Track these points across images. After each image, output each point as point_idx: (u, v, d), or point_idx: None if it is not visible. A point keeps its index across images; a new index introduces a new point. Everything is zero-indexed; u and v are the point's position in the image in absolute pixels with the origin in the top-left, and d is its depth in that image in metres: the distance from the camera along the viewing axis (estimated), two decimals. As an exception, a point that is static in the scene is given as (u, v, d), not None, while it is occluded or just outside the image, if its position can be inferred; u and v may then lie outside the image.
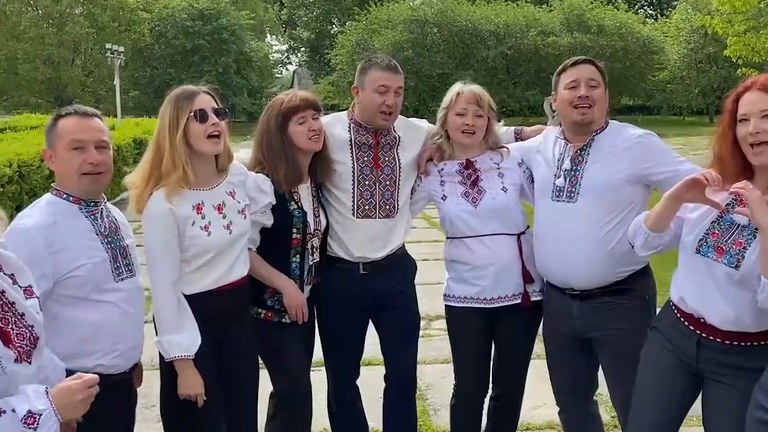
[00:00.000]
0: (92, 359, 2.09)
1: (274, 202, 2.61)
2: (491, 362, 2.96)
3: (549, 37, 30.48)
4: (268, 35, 49.96)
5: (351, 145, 2.86)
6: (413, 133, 2.97)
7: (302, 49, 51.04)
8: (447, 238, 2.92)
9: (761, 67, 10.77)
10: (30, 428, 1.49)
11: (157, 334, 2.36)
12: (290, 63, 56.82)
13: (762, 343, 2.08)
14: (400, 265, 2.99)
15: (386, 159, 2.89)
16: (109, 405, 1.97)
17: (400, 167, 2.90)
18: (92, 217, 2.15)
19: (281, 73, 56.57)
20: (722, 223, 2.12)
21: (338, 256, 2.85)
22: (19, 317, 1.59)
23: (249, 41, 35.93)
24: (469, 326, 2.85)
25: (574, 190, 2.58)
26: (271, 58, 46.02)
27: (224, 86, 33.85)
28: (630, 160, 2.53)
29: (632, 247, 2.36)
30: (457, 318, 2.88)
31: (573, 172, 2.60)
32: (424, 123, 3.08)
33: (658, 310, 2.52)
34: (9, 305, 1.57)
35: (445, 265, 2.96)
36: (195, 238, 2.33)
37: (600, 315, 2.57)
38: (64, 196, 2.13)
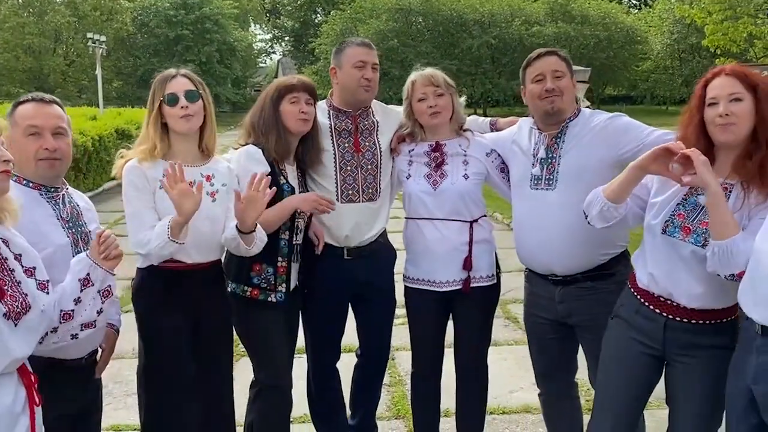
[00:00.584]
0: (49, 344, 2.08)
1: (269, 171, 2.64)
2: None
3: (533, 26, 30.51)
4: (252, 24, 49.65)
5: (331, 131, 2.91)
6: (391, 118, 3.04)
7: (286, 38, 50.77)
8: (405, 218, 2.98)
9: (739, 57, 10.89)
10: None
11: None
12: (274, 52, 56.60)
13: (725, 320, 2.16)
14: (382, 252, 3.06)
15: (366, 144, 2.95)
16: (66, 387, 2.07)
17: (381, 151, 2.97)
18: (53, 202, 2.15)
19: (265, 63, 56.30)
20: (687, 204, 2.18)
21: (327, 244, 2.90)
22: (15, 283, 1.73)
23: (232, 30, 35.68)
24: (423, 307, 2.93)
25: (552, 177, 2.62)
26: (255, 48, 45.77)
27: (208, 76, 33.60)
28: (604, 145, 2.57)
29: (586, 217, 2.38)
30: (412, 298, 2.96)
31: (549, 160, 2.64)
32: (401, 108, 3.12)
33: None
34: (9, 271, 1.73)
35: (404, 245, 3.03)
36: (162, 201, 2.40)
37: (582, 299, 2.62)
38: (24, 182, 2.12)
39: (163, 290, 2.48)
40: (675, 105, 36.10)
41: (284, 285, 2.72)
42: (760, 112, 2.06)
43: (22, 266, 1.78)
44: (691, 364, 2.19)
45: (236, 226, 2.44)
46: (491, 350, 4.38)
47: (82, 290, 1.91)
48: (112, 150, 11.78)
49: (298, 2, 46.98)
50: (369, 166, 2.94)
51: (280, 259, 2.71)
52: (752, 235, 1.95)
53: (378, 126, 2.99)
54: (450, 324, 3.03)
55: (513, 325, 5.03)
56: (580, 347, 2.80)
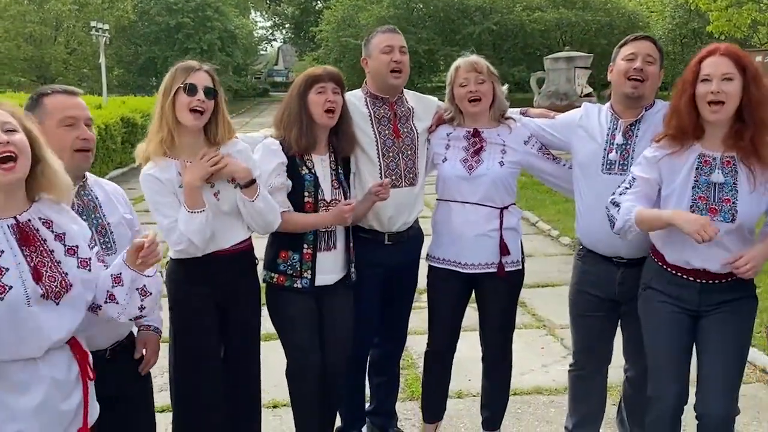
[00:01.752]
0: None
1: (286, 162, 2.72)
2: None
3: (535, 12, 30.37)
4: (252, 11, 49.38)
5: (371, 118, 2.99)
6: (425, 105, 3.13)
7: (287, 25, 50.49)
8: (437, 199, 3.07)
9: (743, 42, 10.89)
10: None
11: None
12: (275, 39, 56.31)
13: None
14: (417, 237, 3.18)
15: (405, 130, 3.03)
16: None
17: (417, 136, 3.06)
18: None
19: (266, 50, 56.07)
20: (702, 186, 2.37)
21: (370, 227, 2.98)
22: (55, 263, 1.81)
23: (233, 18, 35.53)
24: (447, 286, 3.04)
25: (626, 163, 2.71)
26: (256, 35, 45.58)
27: (209, 64, 33.50)
28: None
29: (611, 224, 2.55)
30: (437, 277, 3.06)
31: (625, 146, 2.73)
32: (433, 98, 3.23)
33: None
34: (48, 252, 1.81)
35: (431, 226, 3.12)
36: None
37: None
38: None
39: (193, 275, 2.58)
40: (677, 90, 36.09)
41: (309, 272, 2.77)
42: (747, 92, 2.30)
43: (64, 245, 1.85)
44: (723, 314, 2.47)
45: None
46: None
47: (113, 287, 1.93)
48: (117, 138, 11.83)
49: (299, -11, 46.66)
50: (409, 152, 3.03)
51: (305, 246, 2.76)
52: None
53: (414, 112, 3.08)
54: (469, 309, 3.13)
55: (522, 310, 5.11)
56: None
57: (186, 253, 2.52)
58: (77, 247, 1.88)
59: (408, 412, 3.66)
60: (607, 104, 2.86)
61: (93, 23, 20.41)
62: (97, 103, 14.24)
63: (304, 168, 2.76)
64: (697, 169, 2.39)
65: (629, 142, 2.72)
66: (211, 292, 2.58)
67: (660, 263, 2.55)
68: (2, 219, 1.75)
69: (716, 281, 2.46)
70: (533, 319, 5.04)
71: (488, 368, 3.18)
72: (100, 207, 2.27)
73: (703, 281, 2.47)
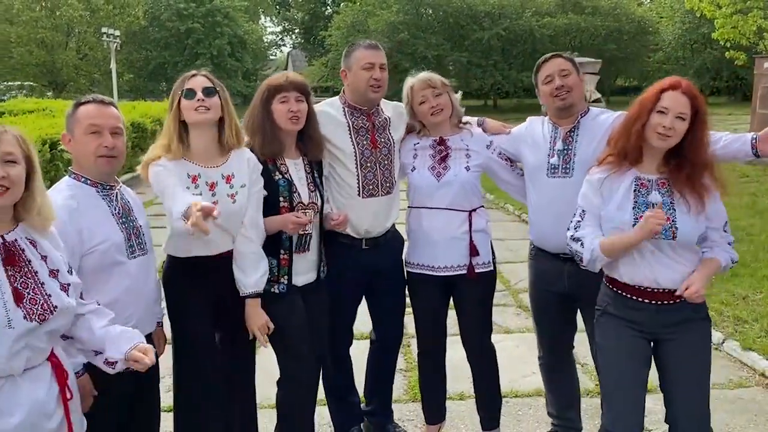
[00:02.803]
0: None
1: (261, 169, 2.76)
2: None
3: (544, 18, 30.46)
4: (262, 17, 49.68)
5: (349, 129, 3.04)
6: (399, 115, 3.19)
7: (296, 30, 50.75)
8: (408, 206, 3.16)
9: (748, 50, 10.90)
10: None
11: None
12: (284, 45, 56.55)
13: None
14: (395, 240, 3.24)
15: (382, 140, 3.09)
16: (108, 375, 2.10)
17: (393, 145, 3.13)
18: (108, 199, 2.32)
19: (275, 55, 56.30)
20: (640, 206, 2.45)
21: (345, 233, 3.03)
22: (39, 285, 1.83)
23: (243, 23, 35.77)
24: (425, 290, 3.15)
25: (568, 166, 2.87)
26: (265, 40, 45.81)
27: (219, 69, 33.69)
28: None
29: (578, 259, 2.59)
30: (415, 282, 3.17)
31: (566, 151, 2.88)
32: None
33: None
34: (33, 273, 1.83)
35: (405, 232, 3.22)
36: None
37: (588, 274, 2.78)
38: (83, 179, 2.29)
39: (189, 276, 2.67)
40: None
41: (286, 277, 2.81)
42: (692, 132, 2.40)
43: (47, 268, 1.88)
44: (680, 339, 2.48)
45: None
46: (504, 337, 4.60)
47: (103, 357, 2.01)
48: (128, 143, 11.95)
49: (308, -6, 46.91)
50: (385, 161, 3.09)
51: (282, 252, 2.80)
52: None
53: (390, 121, 3.14)
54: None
55: (525, 314, 5.16)
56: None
57: (176, 235, 2.60)
58: (58, 271, 1.90)
59: (411, 413, 3.72)
60: (547, 117, 3.02)
61: (104, 29, 20.58)
62: (14, 128, 14.33)
63: (277, 173, 2.78)
64: (634, 191, 2.47)
65: (569, 147, 2.89)
66: (204, 288, 2.66)
67: (614, 288, 2.56)
68: None
69: (669, 302, 2.45)
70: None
71: (473, 368, 3.28)
72: (132, 210, 2.41)
73: (658, 302, 2.46)
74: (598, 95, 17.05)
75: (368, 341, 3.43)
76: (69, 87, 30.42)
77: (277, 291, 2.80)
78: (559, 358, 3.20)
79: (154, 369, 2.47)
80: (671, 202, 2.42)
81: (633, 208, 2.45)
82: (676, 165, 2.44)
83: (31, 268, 1.83)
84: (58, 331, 1.89)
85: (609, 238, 2.46)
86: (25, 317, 1.75)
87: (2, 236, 1.81)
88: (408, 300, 3.31)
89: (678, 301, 2.44)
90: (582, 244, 2.53)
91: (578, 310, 3.06)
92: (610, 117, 2.89)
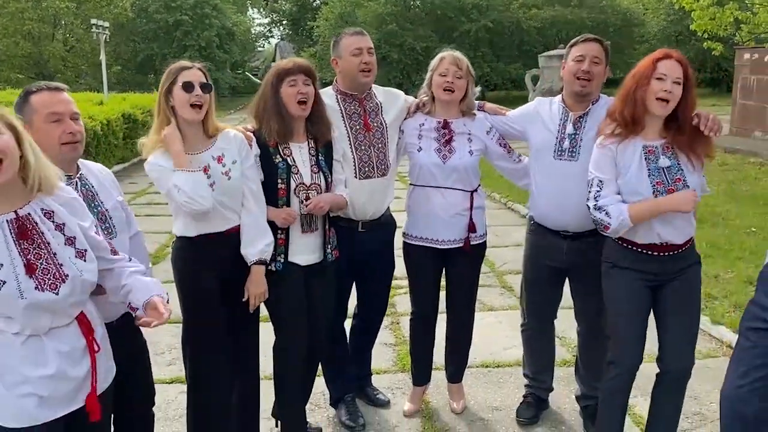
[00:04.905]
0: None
1: (259, 153, 2.92)
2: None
3: (531, 10, 30.63)
4: (250, 8, 49.49)
5: (342, 115, 3.23)
6: (392, 99, 3.39)
7: (284, 21, 50.55)
8: (411, 184, 3.37)
9: (726, 41, 11.17)
10: None
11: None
12: (272, 36, 56.26)
13: (692, 243, 2.86)
14: (389, 224, 3.46)
15: (375, 124, 3.28)
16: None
17: (387, 129, 3.31)
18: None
19: (263, 47, 56.12)
20: (653, 173, 2.72)
21: (345, 216, 3.23)
22: (51, 256, 1.93)
23: (231, 15, 35.65)
24: (423, 261, 3.38)
25: (575, 150, 3.07)
26: (253, 32, 45.69)
27: (207, 61, 33.41)
28: None
29: (601, 227, 2.81)
30: (414, 253, 3.40)
31: (574, 136, 3.08)
32: (398, 91, 3.49)
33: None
34: (46, 245, 1.93)
35: (405, 208, 3.44)
36: None
37: (586, 250, 3.11)
38: None
39: (197, 253, 2.84)
40: (671, 87, 36.36)
41: (282, 256, 2.96)
42: (684, 96, 2.67)
43: (64, 235, 1.96)
44: (681, 280, 2.84)
45: None
46: (488, 314, 4.87)
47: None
48: (119, 134, 12.07)
49: (296, -14, 46.75)
50: (379, 144, 3.28)
51: (279, 232, 2.95)
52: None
53: (382, 106, 3.33)
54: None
55: (508, 293, 5.40)
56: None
57: (196, 211, 2.69)
58: (75, 238, 1.99)
59: (399, 382, 3.96)
60: (559, 97, 3.19)
61: (94, 21, 20.56)
62: (98, 99, 14.44)
63: (278, 157, 2.92)
64: (645, 159, 2.73)
65: (578, 132, 3.08)
66: (212, 266, 2.83)
67: (624, 245, 2.85)
68: (1, 215, 1.88)
69: (676, 252, 2.81)
70: (517, 301, 5.32)
71: (455, 330, 3.56)
72: (97, 195, 2.40)
73: (667, 253, 2.80)
74: (584, 86, 17.35)
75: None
76: (56, 79, 30.25)
77: (273, 269, 2.96)
78: (542, 326, 3.46)
79: (142, 339, 2.65)
80: (678, 164, 2.70)
81: (648, 176, 2.71)
82: (677, 129, 2.70)
83: (44, 239, 1.92)
84: (81, 296, 2.01)
85: (636, 205, 2.71)
86: (36, 287, 1.87)
87: (15, 211, 1.89)
88: (397, 273, 3.54)
89: (682, 250, 2.81)
90: (607, 213, 2.73)
91: (569, 283, 3.32)
92: None
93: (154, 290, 2.14)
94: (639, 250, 2.83)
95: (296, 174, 2.94)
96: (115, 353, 2.25)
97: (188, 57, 32.63)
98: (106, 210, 2.40)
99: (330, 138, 3.06)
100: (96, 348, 2.06)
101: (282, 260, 2.97)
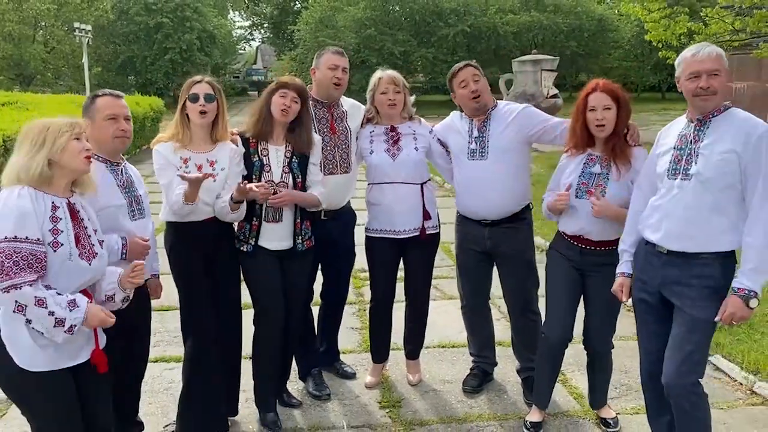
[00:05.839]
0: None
1: (243, 152, 3.41)
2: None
3: (507, 15, 31.28)
4: (231, 11, 49.70)
5: (312, 118, 3.69)
6: (356, 110, 3.92)
7: (265, 25, 50.87)
8: (369, 183, 3.85)
9: (678, 50, 11.74)
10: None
11: None
12: (253, 39, 56.59)
13: (614, 247, 3.21)
14: (347, 214, 3.95)
15: (340, 128, 3.80)
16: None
17: (350, 133, 3.82)
18: (114, 173, 2.93)
19: (244, 50, 56.32)
20: (584, 175, 3.27)
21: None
22: (87, 237, 2.51)
23: (212, 18, 35.88)
24: (383, 251, 3.85)
25: (484, 150, 3.62)
26: (234, 35, 45.88)
27: (188, 64, 33.78)
28: (518, 127, 3.61)
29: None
30: (374, 245, 3.87)
31: (481, 138, 3.62)
32: (361, 105, 4.00)
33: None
34: (84, 228, 2.51)
35: (366, 205, 3.90)
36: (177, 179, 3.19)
37: (504, 235, 3.68)
38: (95, 156, 2.83)
39: (183, 237, 3.32)
40: (645, 92, 37.26)
41: (254, 239, 3.41)
42: (620, 115, 3.18)
43: (92, 227, 2.56)
44: (598, 276, 3.30)
45: (230, 198, 3.21)
46: (447, 303, 5.36)
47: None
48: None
49: (277, -11, 47.05)
50: (343, 146, 3.78)
51: (254, 218, 3.42)
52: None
53: (347, 114, 3.85)
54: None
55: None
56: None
57: (177, 210, 3.21)
58: (96, 230, 2.58)
59: (363, 361, 4.40)
60: (463, 112, 3.76)
61: (76, 24, 20.77)
62: (80, 102, 14.66)
63: (255, 156, 3.41)
64: (584, 163, 3.29)
65: (483, 135, 3.64)
66: (196, 245, 3.30)
67: (563, 234, 3.41)
68: (63, 198, 2.45)
69: (593, 248, 3.32)
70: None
71: (413, 312, 4.02)
72: (133, 183, 3.00)
73: (583, 246, 3.32)
74: (555, 91, 17.82)
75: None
76: (37, 80, 30.36)
77: (245, 250, 3.44)
78: (478, 304, 3.96)
79: (147, 314, 3.17)
80: (608, 173, 3.20)
81: (579, 176, 3.26)
82: (606, 141, 3.22)
83: (83, 224, 2.49)
84: (97, 275, 2.53)
85: (549, 197, 3.36)
86: (80, 255, 2.42)
87: (68, 200, 2.47)
88: (363, 266, 4.00)
89: (602, 249, 3.28)
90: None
91: (495, 265, 3.83)
92: (516, 108, 3.64)
93: (117, 270, 2.63)
94: (566, 238, 3.37)
95: (268, 172, 3.40)
96: (124, 315, 2.70)
97: (169, 60, 33.29)
98: (140, 195, 3.01)
99: (306, 151, 3.48)
100: None
101: (253, 243, 3.43)
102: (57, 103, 14.10)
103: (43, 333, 2.33)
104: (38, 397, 2.41)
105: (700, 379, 2.81)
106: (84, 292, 2.49)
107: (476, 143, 3.62)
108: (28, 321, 2.31)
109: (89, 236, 2.51)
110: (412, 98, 3.91)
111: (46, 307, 2.28)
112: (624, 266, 3.06)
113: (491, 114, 3.66)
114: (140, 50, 33.51)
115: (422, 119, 3.91)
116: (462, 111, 3.76)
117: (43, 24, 30.58)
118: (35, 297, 2.26)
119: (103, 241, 2.60)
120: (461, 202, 3.80)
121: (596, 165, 3.23)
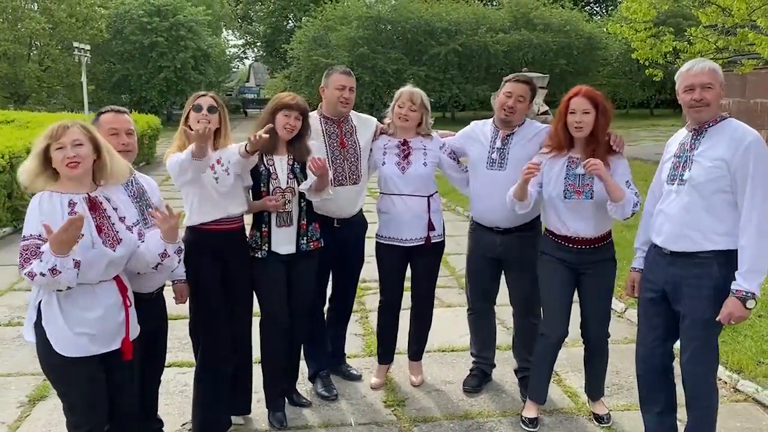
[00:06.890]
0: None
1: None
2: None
3: (498, 34, 31.73)
4: (224, 30, 50.10)
5: (323, 134, 3.98)
6: (365, 124, 4.16)
7: (258, 43, 51.32)
8: (380, 193, 4.08)
9: (665, 67, 12.09)
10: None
11: None
12: (246, 57, 57.05)
13: (608, 241, 3.55)
14: (360, 222, 4.20)
15: (349, 142, 4.04)
16: (139, 312, 2.91)
17: (360, 147, 4.06)
18: (125, 185, 3.04)
19: (237, 68, 56.69)
20: (570, 177, 3.48)
21: (322, 215, 3.91)
22: (111, 225, 2.70)
23: (206, 37, 36.16)
24: (391, 256, 4.08)
25: (503, 161, 3.84)
26: (228, 53, 46.22)
27: (183, 82, 34.05)
28: (537, 145, 3.78)
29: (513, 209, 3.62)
30: (384, 251, 4.10)
31: (502, 150, 3.85)
32: (373, 118, 4.26)
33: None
34: (107, 218, 2.70)
35: (376, 213, 4.12)
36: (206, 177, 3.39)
37: (515, 242, 3.90)
38: None
39: (202, 245, 3.49)
40: (635, 108, 37.79)
41: (266, 245, 3.62)
42: (598, 119, 3.40)
43: (118, 215, 2.75)
44: (593, 274, 3.56)
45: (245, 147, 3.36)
46: (447, 310, 5.62)
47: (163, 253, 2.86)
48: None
49: (269, 8, 47.60)
50: (352, 158, 4.02)
51: (263, 225, 3.63)
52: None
53: (356, 129, 4.09)
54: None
55: (464, 294, 6.07)
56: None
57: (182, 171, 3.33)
58: (125, 217, 2.79)
59: (367, 364, 4.61)
60: (492, 119, 3.98)
61: (75, 44, 21.03)
62: (80, 119, 14.85)
63: (262, 166, 3.60)
64: (567, 166, 3.51)
65: (505, 147, 3.85)
66: (212, 252, 3.48)
67: (550, 236, 3.63)
68: (80, 193, 2.64)
69: (587, 246, 3.52)
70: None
71: (418, 315, 4.24)
72: (145, 193, 3.16)
73: (578, 246, 3.53)
74: (546, 108, 18.15)
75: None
76: (31, 98, 30.49)
77: (259, 256, 3.64)
78: (484, 308, 4.18)
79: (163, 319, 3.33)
80: (591, 173, 3.33)
81: (565, 178, 3.46)
82: (586, 145, 3.43)
83: (107, 214, 2.69)
84: (123, 259, 2.73)
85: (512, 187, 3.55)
86: (103, 243, 2.61)
87: (88, 194, 2.65)
88: (366, 276, 4.21)
89: (594, 246, 3.50)
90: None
91: (504, 272, 4.05)
92: (540, 127, 3.89)
93: (156, 233, 2.85)
94: (557, 240, 3.59)
95: (275, 179, 3.62)
96: (146, 319, 2.96)
97: (163, 78, 33.48)
98: (153, 203, 3.13)
99: (305, 159, 3.69)
100: (128, 303, 2.78)
101: (266, 249, 3.65)
102: (56, 120, 14.21)
103: (69, 287, 2.52)
104: (70, 380, 2.65)
105: (715, 372, 3.11)
106: (117, 281, 2.72)
107: (498, 153, 3.84)
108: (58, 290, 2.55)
109: (113, 224, 2.70)
110: (431, 120, 4.11)
111: (38, 275, 2.45)
112: (636, 262, 3.33)
113: (517, 130, 3.87)
114: (135, 69, 33.72)
115: (436, 134, 4.11)
116: (494, 117, 3.94)
117: (38, 43, 30.76)
118: (35, 273, 2.44)
119: (134, 226, 2.80)
120: (476, 209, 4.02)
121: (579, 167, 3.44)
